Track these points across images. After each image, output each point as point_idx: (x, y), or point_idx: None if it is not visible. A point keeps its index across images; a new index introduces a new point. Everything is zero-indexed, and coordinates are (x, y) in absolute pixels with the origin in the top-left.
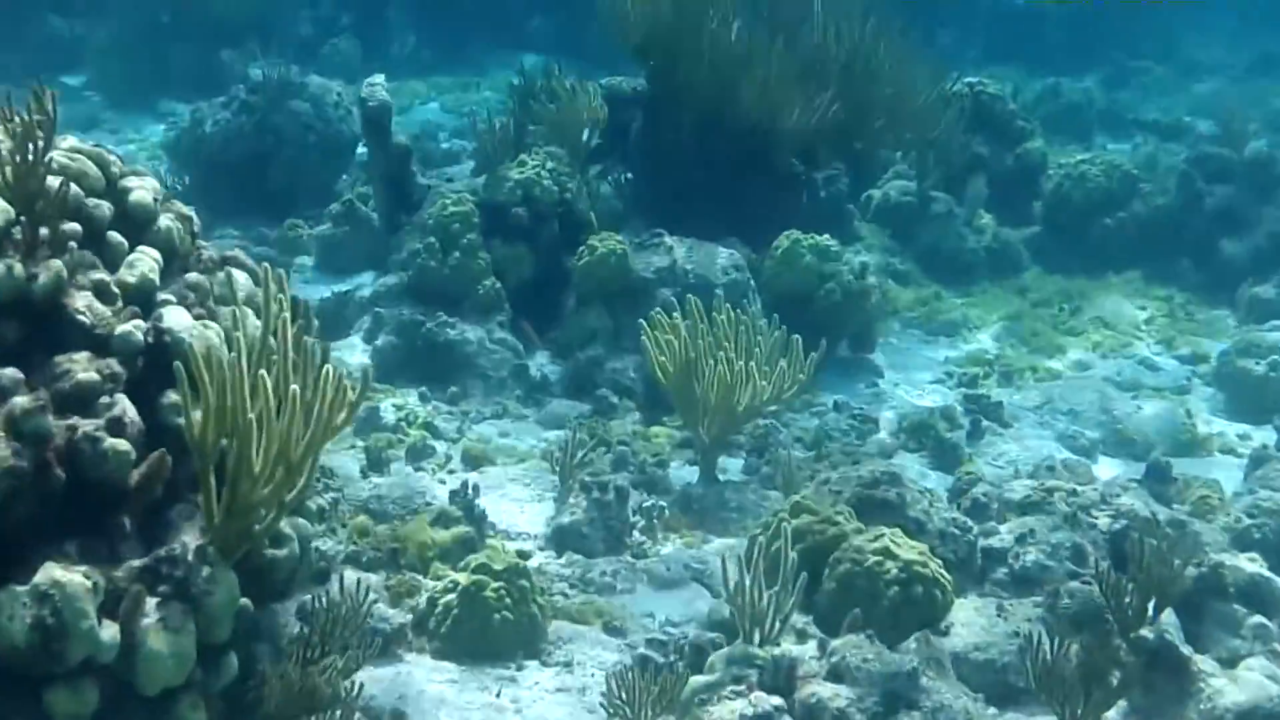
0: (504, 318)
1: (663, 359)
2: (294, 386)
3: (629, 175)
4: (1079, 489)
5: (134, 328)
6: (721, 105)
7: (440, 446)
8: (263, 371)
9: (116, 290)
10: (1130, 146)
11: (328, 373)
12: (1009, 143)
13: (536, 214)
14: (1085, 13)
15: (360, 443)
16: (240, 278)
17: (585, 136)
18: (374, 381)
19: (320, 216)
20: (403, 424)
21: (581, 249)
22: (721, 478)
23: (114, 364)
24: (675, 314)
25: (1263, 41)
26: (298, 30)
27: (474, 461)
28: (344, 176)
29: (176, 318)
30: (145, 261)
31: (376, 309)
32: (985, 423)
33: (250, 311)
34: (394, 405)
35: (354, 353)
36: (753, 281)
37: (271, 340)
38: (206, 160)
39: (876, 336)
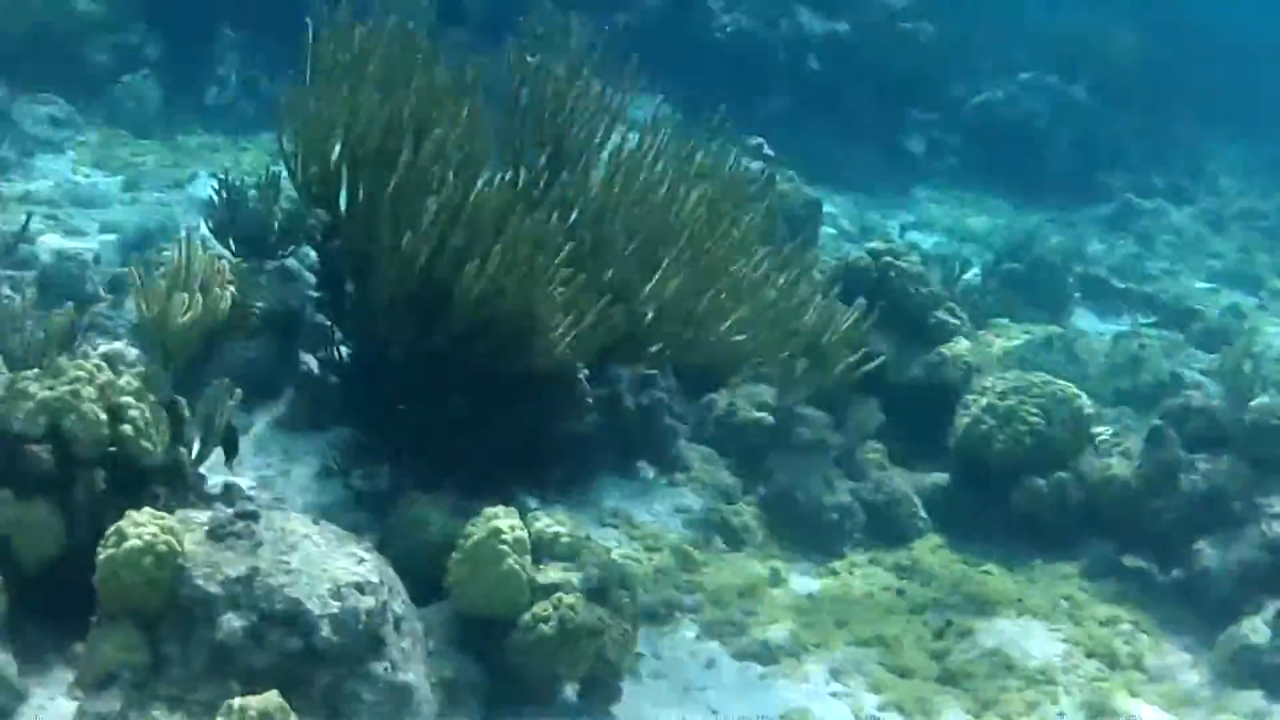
0: None
1: None
2: None
3: (343, 355)
4: None
5: None
6: (447, 280)
7: None
8: None
9: None
10: (1112, 335)
11: None
12: (923, 343)
13: (69, 457)
14: (1098, 129)
15: None
16: None
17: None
18: None
19: None
20: None
21: (109, 532)
22: None
23: None
24: None
25: None
26: (90, 58)
27: None
28: None
29: None
30: None
31: None
32: None
33: None
34: None
35: None
36: (400, 598)
37: None
38: None
39: (622, 678)
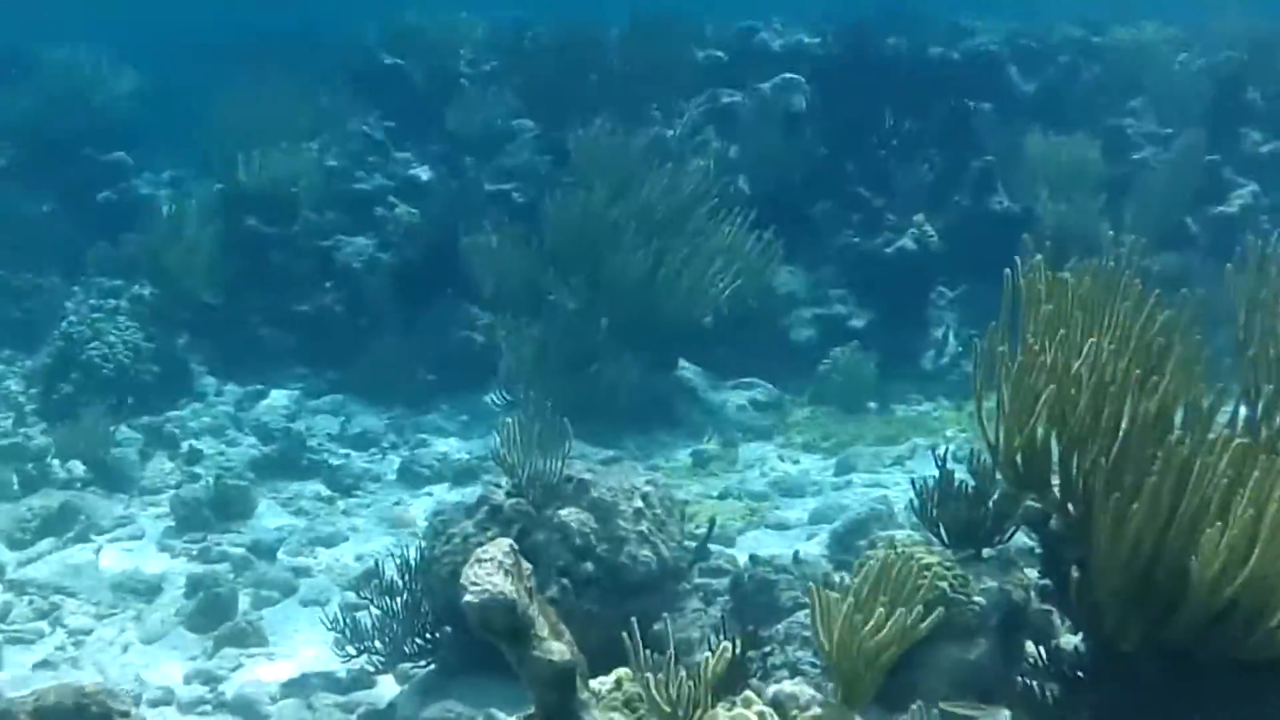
0: None
1: None
2: None
3: (1068, 650)
4: None
5: None
6: (1179, 558)
7: None
8: None
9: None
10: None
11: None
12: None
13: None
14: None
15: None
16: None
17: None
18: None
19: None
20: None
21: None
22: None
23: None
24: None
25: None
26: (793, 335)
27: None
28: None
29: None
30: None
31: None
32: None
33: None
34: None
35: None
36: None
37: None
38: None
39: None
